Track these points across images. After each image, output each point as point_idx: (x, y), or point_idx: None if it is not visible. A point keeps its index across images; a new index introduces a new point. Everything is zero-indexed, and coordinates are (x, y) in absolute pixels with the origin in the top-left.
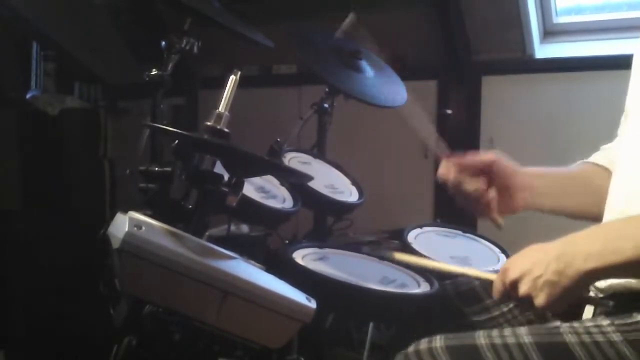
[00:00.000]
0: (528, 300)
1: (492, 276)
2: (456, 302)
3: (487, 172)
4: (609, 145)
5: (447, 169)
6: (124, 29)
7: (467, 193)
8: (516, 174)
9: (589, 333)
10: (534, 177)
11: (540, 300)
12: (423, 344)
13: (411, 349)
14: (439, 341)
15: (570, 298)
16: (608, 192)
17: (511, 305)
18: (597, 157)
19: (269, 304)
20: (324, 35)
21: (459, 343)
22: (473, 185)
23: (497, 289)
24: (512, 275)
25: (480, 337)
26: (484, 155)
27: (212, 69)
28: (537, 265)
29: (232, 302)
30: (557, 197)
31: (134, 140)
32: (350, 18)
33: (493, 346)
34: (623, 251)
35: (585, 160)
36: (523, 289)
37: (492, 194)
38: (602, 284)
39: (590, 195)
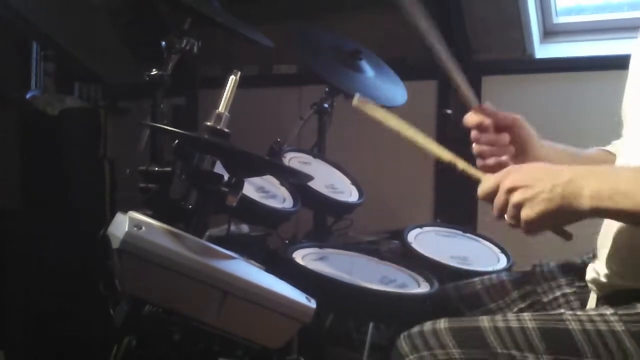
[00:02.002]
0: (514, 209)
1: (480, 174)
2: (458, 306)
3: (507, 130)
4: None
5: (474, 117)
6: (124, 29)
7: (490, 141)
8: (535, 142)
9: (592, 321)
10: (550, 150)
11: (529, 212)
12: (427, 325)
13: (415, 329)
14: (442, 323)
15: (556, 222)
16: None
17: (515, 309)
18: (612, 147)
19: (269, 304)
20: (324, 35)
21: (462, 325)
22: (497, 135)
23: (487, 186)
24: (514, 182)
25: (484, 321)
26: (509, 113)
27: (212, 69)
28: (541, 181)
29: (232, 302)
30: None
31: (134, 140)
32: (356, 99)
33: (496, 329)
34: (634, 196)
35: (601, 147)
36: (518, 196)
37: (512, 148)
38: (603, 282)
39: None
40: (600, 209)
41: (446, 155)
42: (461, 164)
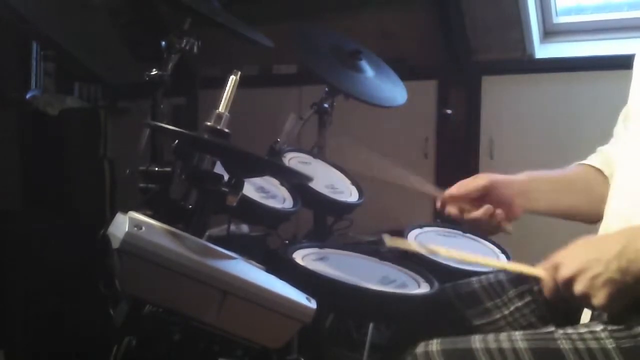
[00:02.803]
0: (584, 299)
1: (539, 272)
2: (456, 305)
3: (485, 194)
4: (605, 147)
5: (451, 207)
6: (124, 29)
7: (477, 219)
8: (511, 184)
9: (582, 340)
10: (527, 182)
11: (599, 299)
12: (420, 347)
13: (408, 353)
14: (435, 345)
15: (632, 296)
16: (605, 194)
17: (512, 308)
18: (592, 160)
19: (269, 304)
20: (324, 35)
21: (454, 347)
22: (480, 211)
23: (548, 286)
24: (566, 272)
25: (476, 342)
26: (476, 181)
27: (212, 69)
28: (595, 262)
29: (232, 302)
30: (550, 198)
31: (134, 140)
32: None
33: (488, 350)
34: None
35: (580, 162)
36: (579, 287)
37: (499, 211)
38: None
39: (584, 196)
40: None
41: (507, 266)
42: (520, 268)
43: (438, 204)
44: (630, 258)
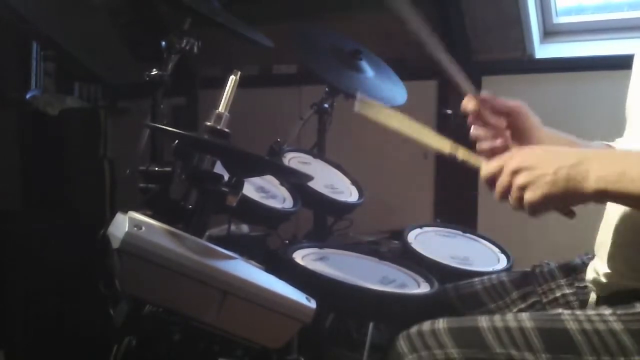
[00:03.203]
0: (519, 191)
1: (482, 161)
2: (458, 306)
3: (508, 117)
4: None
5: (471, 100)
6: (124, 29)
7: (487, 122)
8: (536, 131)
9: (590, 321)
10: (553, 139)
11: (533, 194)
12: (426, 325)
13: (414, 329)
14: (441, 323)
15: (560, 204)
16: None
17: (515, 309)
18: (615, 144)
19: (269, 304)
20: (324, 35)
21: (461, 325)
22: (494, 119)
23: (491, 167)
24: (519, 163)
25: (483, 320)
26: (511, 101)
27: (212, 69)
28: (547, 163)
29: (232, 302)
30: None
31: (134, 140)
32: (359, 97)
33: (495, 329)
34: None
35: (605, 142)
36: (522, 178)
37: (508, 135)
38: (603, 282)
39: None
40: (606, 192)
41: (447, 146)
42: (462, 154)
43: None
44: (581, 172)
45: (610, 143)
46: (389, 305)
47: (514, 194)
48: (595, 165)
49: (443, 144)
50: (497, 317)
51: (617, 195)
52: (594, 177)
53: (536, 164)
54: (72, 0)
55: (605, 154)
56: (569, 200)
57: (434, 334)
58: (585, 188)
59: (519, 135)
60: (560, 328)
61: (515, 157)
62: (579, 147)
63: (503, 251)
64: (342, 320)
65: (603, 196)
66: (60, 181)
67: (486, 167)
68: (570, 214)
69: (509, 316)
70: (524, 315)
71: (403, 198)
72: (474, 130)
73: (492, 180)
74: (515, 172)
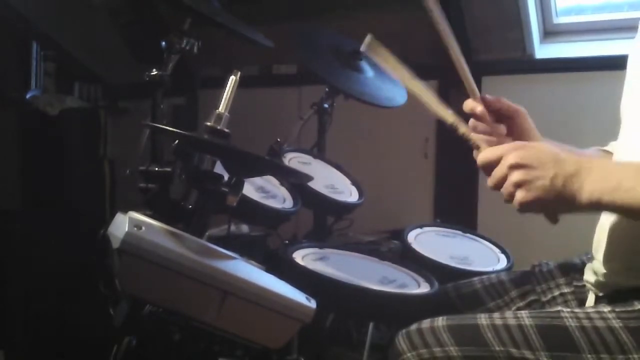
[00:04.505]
0: (512, 187)
1: (481, 142)
2: (458, 305)
3: (508, 120)
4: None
5: (476, 102)
6: (124, 29)
7: (486, 129)
8: (534, 137)
9: (589, 318)
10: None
11: (526, 194)
12: (425, 323)
13: (413, 327)
14: (441, 321)
15: (549, 211)
16: None
17: (514, 308)
18: (610, 148)
19: (269, 304)
20: (324, 35)
21: (460, 322)
22: (495, 126)
23: (490, 154)
24: (517, 158)
25: (482, 318)
26: (513, 105)
27: (212, 69)
28: (546, 165)
29: (232, 302)
30: None
31: (134, 140)
32: (368, 39)
33: (494, 327)
34: (635, 192)
35: (599, 147)
36: (518, 175)
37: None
38: (602, 281)
39: None
40: (600, 203)
41: (449, 116)
42: (463, 128)
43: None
44: (577, 182)
45: (606, 148)
46: (389, 305)
47: (507, 188)
48: (591, 177)
49: (446, 113)
50: (496, 315)
51: (611, 205)
52: (589, 189)
53: (536, 164)
54: (72, 0)
55: (601, 165)
56: (560, 207)
57: (434, 331)
58: (578, 199)
59: (518, 140)
60: (559, 326)
61: (516, 152)
62: (578, 150)
63: (503, 251)
64: (342, 320)
65: (597, 207)
66: (60, 181)
67: (486, 152)
68: (554, 220)
69: (508, 314)
70: (523, 314)
71: (403, 198)
72: (474, 135)
73: (488, 166)
74: (513, 167)
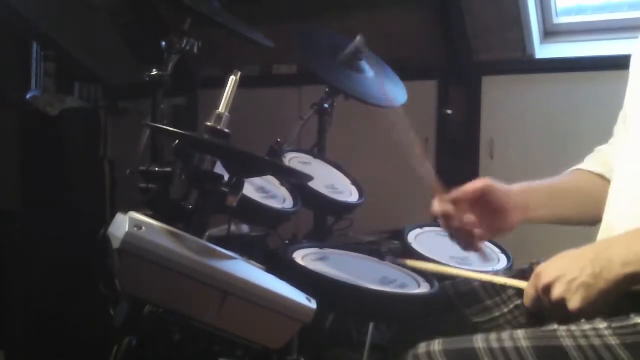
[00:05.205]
0: (561, 304)
1: (523, 283)
2: (456, 303)
3: (480, 200)
4: (604, 147)
5: (442, 205)
6: (124, 29)
7: (456, 227)
8: (509, 195)
9: (585, 337)
10: (526, 193)
11: (574, 302)
12: (421, 347)
13: (410, 353)
14: (437, 345)
15: (604, 301)
16: (605, 196)
17: (511, 305)
18: (590, 164)
19: (269, 304)
20: (324, 35)
21: (456, 346)
22: (466, 218)
23: (529, 295)
24: (545, 279)
25: (478, 341)
26: (475, 184)
27: (212, 69)
28: (571, 268)
29: (232, 302)
30: (552, 208)
31: (134, 140)
32: (358, 39)
33: (490, 350)
34: None
35: (577, 167)
36: (556, 292)
37: (480, 229)
38: None
39: (585, 202)
40: (636, 273)
41: (497, 280)
42: (502, 281)
43: (434, 199)
44: (603, 264)
45: (587, 159)
46: (389, 305)
47: (556, 310)
48: (615, 251)
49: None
50: (492, 337)
51: None
52: (618, 261)
53: (561, 273)
54: (72, 0)
55: (621, 238)
56: (608, 293)
57: (430, 356)
58: (614, 276)
59: (497, 208)
60: (555, 345)
61: (542, 275)
62: (552, 190)
63: (503, 251)
64: (342, 320)
65: (633, 278)
66: (60, 181)
67: (526, 298)
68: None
69: (505, 335)
70: (520, 334)
71: (403, 198)
72: (449, 231)
73: (537, 305)
74: (546, 290)
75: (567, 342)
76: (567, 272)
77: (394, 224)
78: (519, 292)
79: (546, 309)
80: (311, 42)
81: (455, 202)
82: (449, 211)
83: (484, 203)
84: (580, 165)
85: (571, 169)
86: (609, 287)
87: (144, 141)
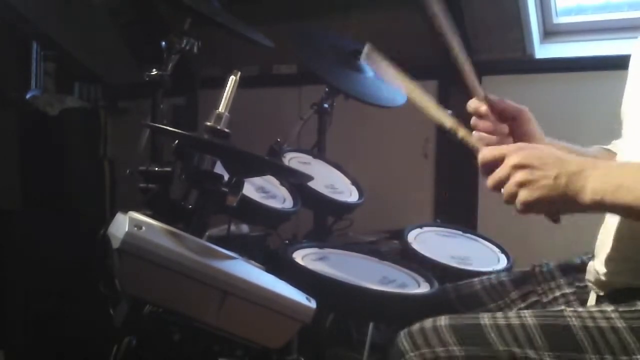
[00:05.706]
0: (515, 187)
1: (480, 145)
2: (458, 306)
3: (515, 121)
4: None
5: (474, 102)
6: (124, 29)
7: (488, 129)
8: (537, 137)
9: (592, 318)
10: (556, 145)
11: (530, 194)
12: (428, 322)
13: (416, 326)
14: (443, 320)
15: (554, 210)
16: None
17: (515, 309)
18: (613, 147)
19: (269, 304)
20: (324, 36)
21: (463, 322)
22: (498, 125)
23: (491, 153)
24: (521, 158)
25: (485, 318)
26: (517, 105)
27: (212, 69)
28: (549, 165)
29: (232, 302)
30: None
31: (134, 140)
32: (367, 49)
33: (497, 326)
34: (636, 190)
35: (605, 147)
36: (521, 175)
37: (510, 140)
38: (603, 281)
39: None
40: (603, 203)
41: (448, 121)
42: (462, 132)
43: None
44: (580, 182)
45: (608, 146)
46: (389, 305)
47: (509, 188)
48: (593, 176)
49: (445, 118)
50: (499, 315)
51: (614, 205)
52: (591, 188)
53: (539, 165)
54: (72, 0)
55: (604, 165)
56: (563, 207)
57: (436, 331)
58: (581, 198)
59: (520, 140)
60: (562, 325)
61: (520, 152)
62: (579, 154)
63: (503, 251)
64: (342, 320)
65: (599, 207)
66: (60, 181)
67: (486, 152)
68: (557, 220)
69: (511, 314)
70: (526, 313)
71: (403, 198)
72: (475, 134)
73: (489, 166)
74: (516, 167)
75: (574, 322)
76: (544, 167)
77: (394, 224)
78: (523, 295)
79: (497, 176)
80: (311, 42)
81: (491, 108)
82: (482, 111)
83: (516, 125)
84: (609, 146)
85: (598, 146)
86: (569, 203)
87: (144, 141)
